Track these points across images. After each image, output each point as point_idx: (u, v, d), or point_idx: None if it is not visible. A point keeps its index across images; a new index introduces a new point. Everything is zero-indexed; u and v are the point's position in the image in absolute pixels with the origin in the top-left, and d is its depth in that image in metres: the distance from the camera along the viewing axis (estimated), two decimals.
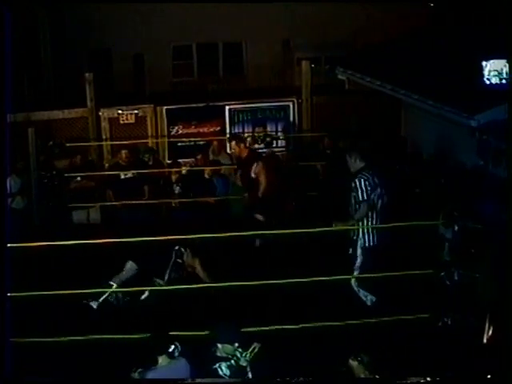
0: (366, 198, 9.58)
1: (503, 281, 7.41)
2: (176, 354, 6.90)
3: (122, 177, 13.45)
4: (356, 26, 20.69)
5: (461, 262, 9.35)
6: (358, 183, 9.61)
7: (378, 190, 9.70)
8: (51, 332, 8.78)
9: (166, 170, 14.00)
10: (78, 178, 13.25)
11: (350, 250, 9.82)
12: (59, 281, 9.70)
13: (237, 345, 6.65)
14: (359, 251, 9.72)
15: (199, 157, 14.01)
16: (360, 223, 9.69)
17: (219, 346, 6.60)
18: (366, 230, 9.70)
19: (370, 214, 9.67)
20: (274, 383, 6.88)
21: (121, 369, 7.84)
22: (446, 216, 9.94)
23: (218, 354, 6.59)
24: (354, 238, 9.75)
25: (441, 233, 10.25)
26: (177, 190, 13.13)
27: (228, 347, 6.61)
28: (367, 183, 9.61)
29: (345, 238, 9.91)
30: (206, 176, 13.34)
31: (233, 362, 6.68)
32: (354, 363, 6.73)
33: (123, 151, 13.62)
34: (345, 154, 10.19)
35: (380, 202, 9.72)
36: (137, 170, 13.42)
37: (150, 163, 13.87)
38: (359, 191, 9.59)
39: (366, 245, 9.69)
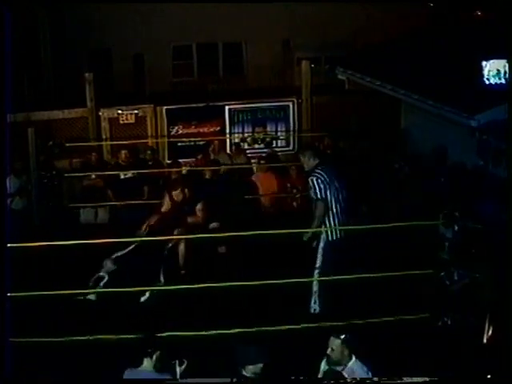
0: (320, 196, 9.41)
1: (503, 281, 7.41)
2: (162, 362, 6.91)
3: (122, 177, 13.46)
4: (356, 26, 20.70)
5: (461, 262, 9.34)
6: (311, 182, 9.48)
7: (334, 185, 9.52)
8: (51, 332, 8.77)
9: (166, 170, 14.00)
10: (93, 176, 13.36)
11: (314, 244, 9.62)
12: (59, 281, 9.69)
13: (263, 364, 6.67)
14: (321, 246, 9.52)
15: (199, 157, 14.02)
16: (325, 220, 9.50)
17: (248, 367, 6.61)
18: (328, 226, 9.51)
19: (329, 211, 9.49)
20: (274, 383, 6.87)
21: (121, 369, 7.85)
22: (446, 216, 9.94)
23: (246, 374, 6.60)
24: (320, 231, 9.56)
25: (441, 232, 10.26)
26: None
27: (258, 367, 6.64)
28: (320, 181, 9.44)
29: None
30: (207, 177, 13.34)
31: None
32: (336, 341, 6.81)
33: (123, 151, 13.64)
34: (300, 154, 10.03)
35: (337, 197, 9.54)
36: (137, 169, 13.43)
37: (150, 163, 13.88)
38: (313, 189, 9.46)
39: (329, 239, 9.49)
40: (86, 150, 14.41)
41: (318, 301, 9.56)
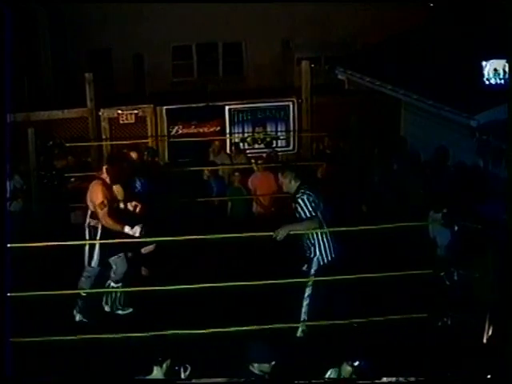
0: (309, 214, 8.87)
1: (503, 281, 7.41)
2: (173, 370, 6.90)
3: None
4: (356, 26, 20.72)
5: (461, 262, 9.34)
6: (301, 201, 8.90)
7: (320, 207, 9.01)
8: (51, 332, 8.77)
9: (166, 169, 13.99)
10: (72, 179, 13.19)
11: (305, 267, 9.16)
12: (59, 281, 9.69)
13: (273, 363, 6.68)
14: (313, 269, 9.04)
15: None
16: (316, 243, 9.00)
17: (255, 364, 6.61)
18: (322, 248, 9.01)
19: (320, 234, 8.99)
20: (274, 383, 6.88)
21: (121, 369, 7.86)
22: (447, 216, 9.94)
23: (254, 372, 6.61)
24: (311, 256, 9.05)
25: (441, 232, 10.29)
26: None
27: (265, 366, 6.64)
28: (311, 199, 8.89)
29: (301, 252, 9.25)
30: (205, 177, 13.32)
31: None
32: (347, 368, 6.80)
33: (124, 151, 13.60)
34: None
35: (325, 219, 9.05)
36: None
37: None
38: (303, 208, 8.88)
39: (321, 263, 9.01)
40: (86, 149, 14.44)
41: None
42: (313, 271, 9.04)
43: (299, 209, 8.92)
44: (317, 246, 9.04)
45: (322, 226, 9.02)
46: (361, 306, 9.16)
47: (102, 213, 9.43)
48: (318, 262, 9.04)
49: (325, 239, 9.05)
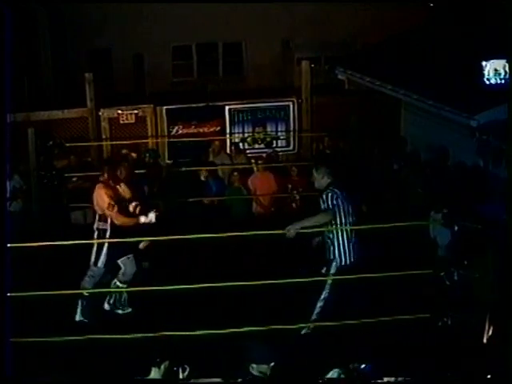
0: (330, 208, 8.89)
1: (503, 281, 7.41)
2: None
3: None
4: (356, 25, 20.72)
5: (461, 262, 9.34)
6: (325, 195, 8.94)
7: (346, 206, 9.00)
8: (51, 332, 8.77)
9: (166, 169, 13.99)
10: (74, 179, 13.20)
11: (324, 270, 9.15)
12: (59, 281, 9.70)
13: (272, 364, 6.68)
14: (332, 271, 9.04)
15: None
16: (336, 244, 8.99)
17: (254, 365, 6.61)
18: (341, 251, 9.00)
19: (341, 235, 8.99)
20: (274, 383, 6.88)
21: (121, 369, 7.86)
22: (446, 216, 9.94)
23: (253, 372, 6.61)
24: (331, 257, 9.06)
25: (440, 232, 10.29)
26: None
27: (263, 367, 6.64)
28: (334, 197, 8.91)
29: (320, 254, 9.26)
30: (202, 178, 13.30)
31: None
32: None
33: (123, 151, 13.61)
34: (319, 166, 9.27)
35: (348, 220, 9.02)
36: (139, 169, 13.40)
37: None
38: (325, 203, 8.93)
39: (341, 265, 9.00)
40: (87, 149, 14.44)
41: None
42: (331, 274, 9.02)
43: (320, 203, 8.97)
44: (336, 248, 9.04)
45: (341, 229, 8.97)
46: (360, 307, 9.16)
47: (113, 214, 9.54)
48: (337, 265, 9.03)
49: (345, 241, 9.02)
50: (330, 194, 8.95)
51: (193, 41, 21.46)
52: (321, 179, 9.13)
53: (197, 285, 8.91)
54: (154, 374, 6.82)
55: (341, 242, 9.03)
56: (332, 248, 9.05)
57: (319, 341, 8.74)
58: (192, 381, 6.84)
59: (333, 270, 9.03)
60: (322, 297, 8.98)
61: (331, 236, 9.05)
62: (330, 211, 8.92)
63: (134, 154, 13.61)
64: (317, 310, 9.01)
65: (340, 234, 9.03)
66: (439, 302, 9.31)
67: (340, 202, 8.96)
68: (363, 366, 6.82)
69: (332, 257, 9.05)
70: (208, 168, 13.58)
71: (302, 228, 8.89)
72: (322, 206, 8.97)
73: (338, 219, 9.00)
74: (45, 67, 20.21)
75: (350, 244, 9.05)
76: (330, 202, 8.92)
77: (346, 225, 9.01)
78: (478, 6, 13.50)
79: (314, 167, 9.34)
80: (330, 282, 8.97)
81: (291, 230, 8.79)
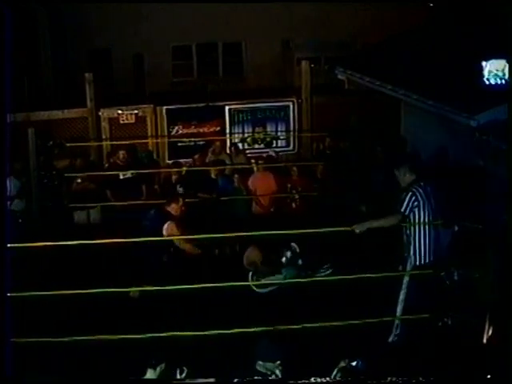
0: (404, 210, 8.90)
1: (503, 281, 7.40)
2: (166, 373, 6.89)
3: (121, 177, 13.44)
4: (356, 26, 20.72)
5: (461, 262, 9.34)
6: (405, 195, 8.95)
7: (428, 205, 9.02)
8: (51, 332, 8.77)
9: (166, 170, 14.00)
10: (79, 180, 13.21)
11: (400, 267, 9.17)
12: (59, 281, 9.70)
13: (278, 362, 6.68)
14: (409, 269, 9.04)
15: (197, 156, 13.97)
16: (413, 242, 8.98)
17: (261, 362, 6.62)
18: (417, 248, 9.01)
19: (419, 232, 8.99)
20: (275, 383, 6.89)
21: (121, 369, 7.86)
22: (446, 216, 9.93)
23: (260, 370, 6.62)
24: (405, 254, 9.08)
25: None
26: (180, 190, 13.06)
27: (270, 364, 6.64)
28: (413, 198, 8.92)
29: (396, 254, 9.31)
30: (213, 176, 13.29)
31: (273, 377, 6.75)
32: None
33: (121, 152, 13.60)
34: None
35: (429, 218, 9.03)
36: (135, 169, 13.40)
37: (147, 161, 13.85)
38: (403, 204, 8.93)
39: (416, 263, 9.01)
40: (87, 150, 14.45)
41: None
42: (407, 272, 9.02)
43: (400, 203, 8.95)
44: (412, 245, 9.03)
45: (420, 226, 8.97)
46: (360, 307, 9.17)
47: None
48: (413, 263, 9.03)
49: (422, 240, 9.02)
50: (410, 194, 8.96)
51: (193, 41, 21.46)
52: (403, 176, 9.16)
53: (197, 285, 8.92)
54: (150, 375, 6.83)
55: (417, 240, 9.02)
56: (409, 246, 9.06)
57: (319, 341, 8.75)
58: (188, 380, 6.85)
59: (409, 268, 9.04)
60: (401, 299, 8.96)
61: (408, 233, 9.06)
62: (399, 215, 8.93)
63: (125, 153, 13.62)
64: (398, 313, 8.97)
65: (418, 231, 9.01)
66: (439, 301, 9.30)
67: (421, 200, 8.96)
68: (355, 362, 6.82)
69: (407, 254, 9.05)
70: (204, 168, 13.57)
71: (369, 228, 8.89)
72: (399, 207, 8.96)
73: (417, 217, 8.98)
74: (45, 67, 20.21)
75: (428, 242, 9.04)
76: (408, 204, 8.92)
77: (427, 222, 8.99)
78: (478, 6, 13.50)
79: (395, 168, 9.33)
80: (405, 280, 8.96)
81: (356, 230, 8.83)
